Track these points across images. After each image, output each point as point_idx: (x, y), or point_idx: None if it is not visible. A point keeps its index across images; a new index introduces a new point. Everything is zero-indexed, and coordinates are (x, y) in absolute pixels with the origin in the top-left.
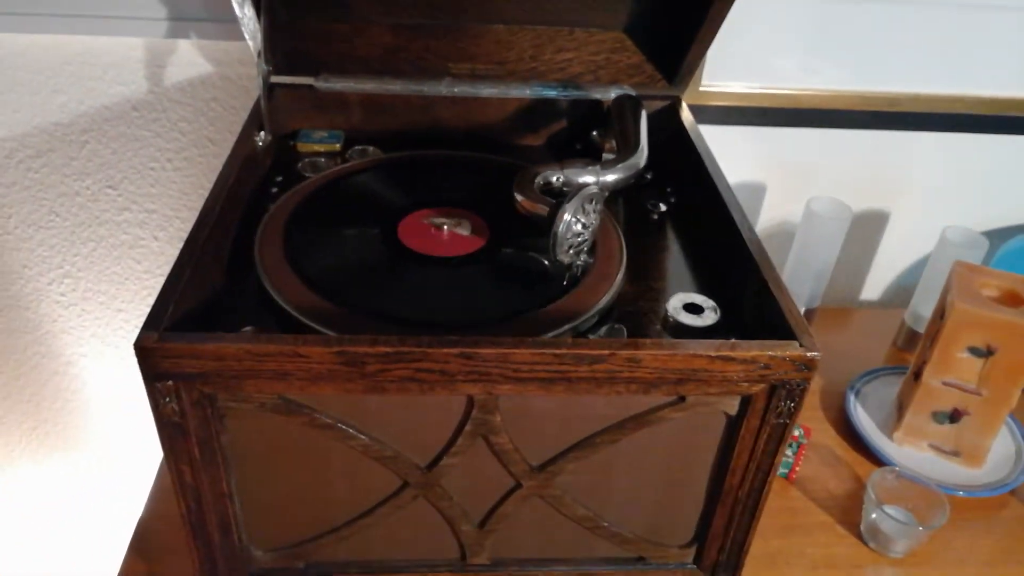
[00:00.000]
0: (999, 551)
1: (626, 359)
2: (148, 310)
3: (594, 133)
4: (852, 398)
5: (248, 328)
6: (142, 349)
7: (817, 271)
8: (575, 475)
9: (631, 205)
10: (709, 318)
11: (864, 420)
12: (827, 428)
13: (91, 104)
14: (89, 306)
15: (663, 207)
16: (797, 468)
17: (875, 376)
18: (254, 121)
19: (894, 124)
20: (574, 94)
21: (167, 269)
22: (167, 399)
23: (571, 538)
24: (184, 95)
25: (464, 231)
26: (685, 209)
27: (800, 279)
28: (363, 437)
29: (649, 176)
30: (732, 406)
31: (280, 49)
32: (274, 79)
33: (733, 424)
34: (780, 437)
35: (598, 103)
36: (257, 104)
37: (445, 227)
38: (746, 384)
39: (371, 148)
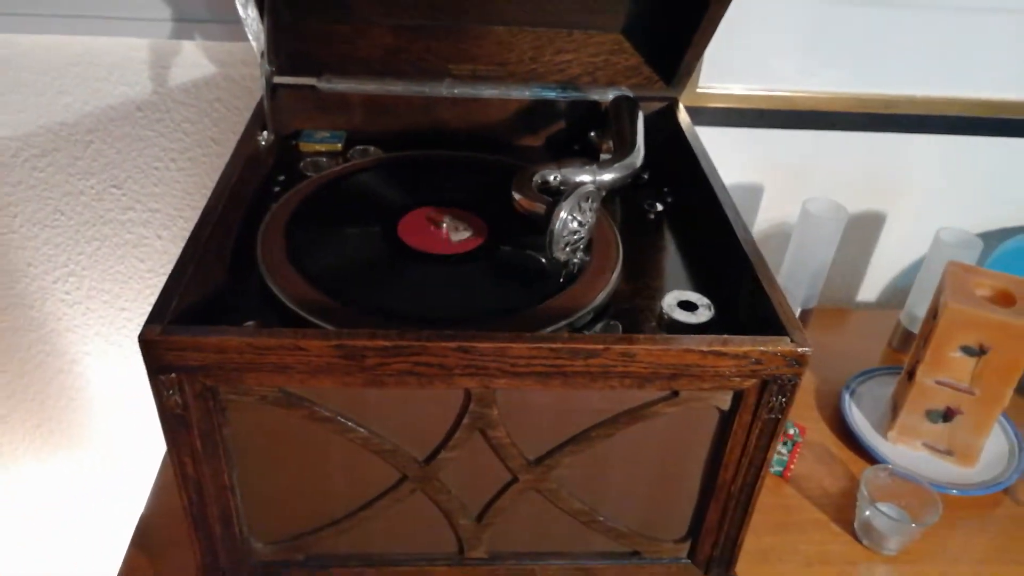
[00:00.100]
0: (992, 549)
1: (620, 354)
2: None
3: (592, 134)
4: (847, 397)
5: (250, 323)
6: (146, 342)
7: (813, 271)
8: (571, 469)
9: (628, 205)
10: (703, 315)
11: (859, 419)
12: (822, 427)
13: (96, 104)
14: (93, 304)
15: (659, 207)
16: (792, 466)
17: (870, 376)
18: (257, 121)
19: (890, 126)
20: (573, 95)
21: (171, 268)
22: (170, 391)
23: (567, 532)
24: (188, 96)
25: (463, 229)
26: (681, 209)
27: (796, 279)
28: (362, 430)
29: (646, 176)
30: (724, 401)
31: (283, 50)
32: (277, 80)
33: (726, 419)
34: (772, 432)
35: (596, 104)
36: (260, 104)
37: (444, 225)
38: (738, 379)
39: (372, 148)
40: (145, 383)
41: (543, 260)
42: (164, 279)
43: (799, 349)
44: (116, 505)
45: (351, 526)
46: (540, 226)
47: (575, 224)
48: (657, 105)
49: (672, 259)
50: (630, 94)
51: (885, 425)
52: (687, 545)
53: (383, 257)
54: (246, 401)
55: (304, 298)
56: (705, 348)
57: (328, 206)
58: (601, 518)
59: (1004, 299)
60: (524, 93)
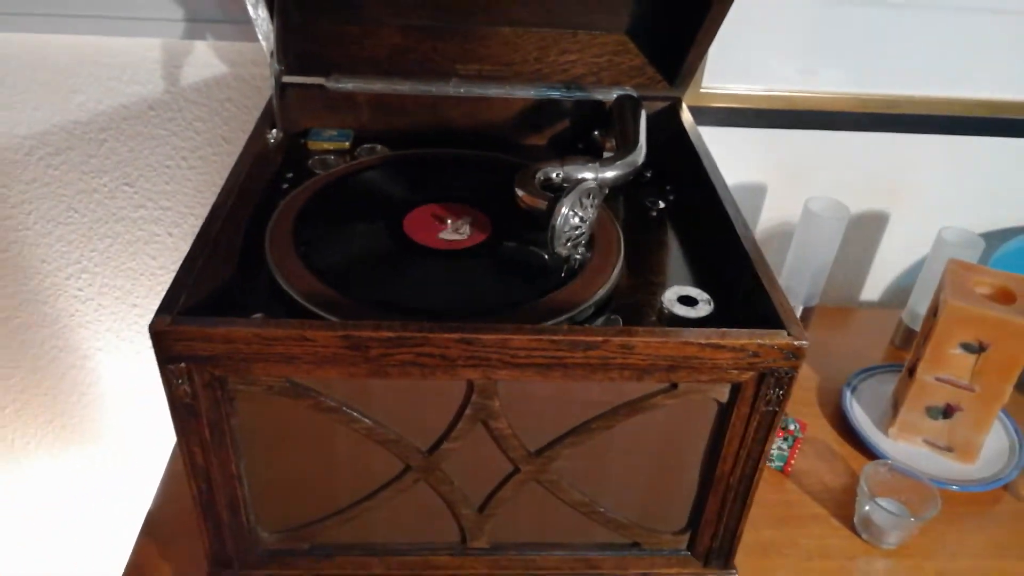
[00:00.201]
0: (990, 545)
1: (619, 346)
2: None
3: (596, 133)
4: (848, 394)
5: (258, 315)
6: (156, 332)
7: (815, 270)
8: (571, 460)
9: (631, 202)
10: (703, 310)
11: (860, 416)
12: (824, 424)
13: (109, 103)
14: (105, 301)
15: (662, 204)
16: (792, 461)
17: (872, 373)
18: (266, 119)
19: (892, 126)
20: (577, 95)
21: None
22: (180, 381)
23: (568, 523)
24: (199, 95)
25: (467, 225)
26: (683, 207)
27: (799, 278)
28: (367, 420)
29: (649, 174)
30: (723, 393)
31: (292, 50)
32: (286, 79)
33: (724, 411)
34: (770, 424)
35: (600, 104)
36: (270, 103)
37: (449, 221)
38: (736, 372)
39: (380, 146)
40: (156, 379)
41: (545, 256)
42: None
43: (796, 342)
44: (127, 499)
45: (355, 515)
46: (542, 222)
47: (576, 220)
48: (661, 105)
49: (673, 255)
50: (634, 94)
51: (886, 422)
52: (686, 537)
53: (389, 252)
54: (253, 391)
55: (311, 292)
56: (703, 341)
57: (335, 203)
58: (601, 509)
59: (1004, 297)
60: (529, 93)
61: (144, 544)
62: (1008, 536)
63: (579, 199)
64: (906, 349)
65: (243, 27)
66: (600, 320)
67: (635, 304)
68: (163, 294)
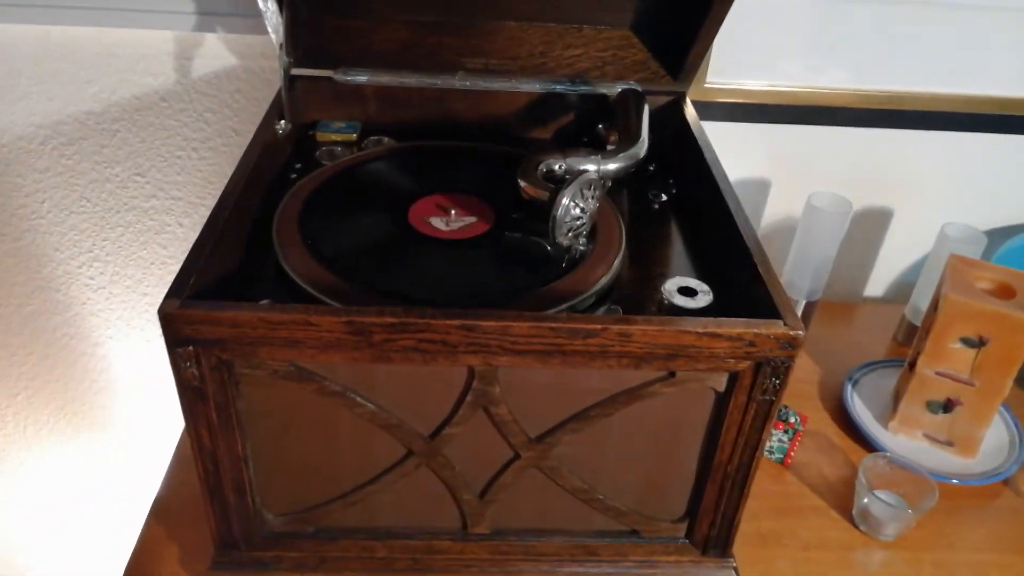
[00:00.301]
0: (988, 538)
1: (617, 334)
2: None
3: (600, 127)
4: (849, 388)
5: (265, 302)
6: (165, 315)
7: (818, 264)
8: (571, 447)
9: (634, 195)
10: (702, 300)
11: (861, 410)
12: (824, 417)
13: (122, 94)
14: (116, 289)
15: (664, 197)
16: (792, 453)
17: (873, 368)
18: (276, 111)
19: (896, 122)
20: (582, 89)
21: None
22: (188, 364)
23: (568, 510)
24: (210, 87)
25: (471, 216)
26: (685, 200)
27: (801, 272)
28: (370, 405)
29: (652, 168)
30: (720, 382)
31: (301, 43)
32: (295, 71)
33: (721, 400)
34: (767, 414)
35: (605, 98)
36: (279, 95)
37: (453, 212)
38: (733, 361)
39: (387, 139)
40: (165, 367)
41: (547, 246)
42: None
43: (792, 332)
44: (136, 485)
45: (359, 499)
46: (544, 212)
47: (577, 210)
48: (665, 99)
49: (674, 247)
50: (638, 88)
51: (886, 416)
52: (685, 525)
53: (394, 241)
54: (259, 375)
55: (317, 280)
56: (700, 330)
57: (342, 192)
58: (600, 496)
59: (1004, 292)
60: (534, 86)
61: (152, 526)
62: (1007, 530)
63: (580, 190)
64: (909, 345)
65: (253, 20)
66: (601, 310)
67: (636, 294)
68: None
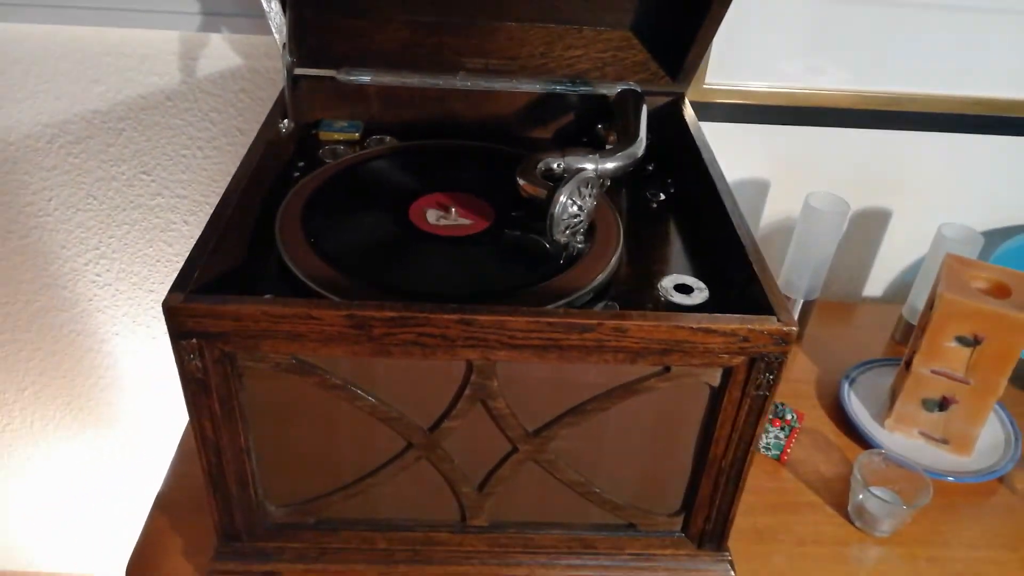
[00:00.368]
0: (984, 535)
1: (613, 329)
2: None
3: (599, 127)
4: (846, 386)
5: (268, 296)
6: (169, 308)
7: (816, 264)
8: (568, 441)
9: (633, 195)
10: (698, 297)
11: (857, 408)
12: (821, 415)
13: (128, 94)
14: (122, 286)
15: (662, 197)
16: (789, 450)
17: (870, 367)
18: (279, 110)
19: (895, 124)
20: (582, 89)
21: None
22: (191, 356)
23: (565, 503)
24: (215, 86)
25: (471, 213)
26: (683, 199)
27: (799, 271)
28: (370, 398)
29: (651, 168)
30: (715, 377)
31: (304, 43)
32: (298, 71)
33: (716, 395)
34: (761, 409)
35: (604, 98)
36: (282, 94)
37: (453, 210)
38: (727, 356)
39: (388, 138)
40: (170, 363)
41: (546, 243)
42: None
43: (785, 328)
44: (141, 479)
45: (359, 491)
46: (543, 210)
47: (575, 208)
48: (664, 100)
49: (672, 246)
50: (637, 88)
51: (883, 414)
52: (681, 519)
53: (394, 238)
54: (261, 368)
55: (319, 275)
56: (694, 325)
57: (344, 190)
58: (597, 490)
59: (1000, 291)
60: (535, 87)
61: (156, 518)
62: (1001, 527)
63: (577, 188)
64: (906, 344)
65: (257, 21)
66: (599, 306)
67: (633, 292)
68: None
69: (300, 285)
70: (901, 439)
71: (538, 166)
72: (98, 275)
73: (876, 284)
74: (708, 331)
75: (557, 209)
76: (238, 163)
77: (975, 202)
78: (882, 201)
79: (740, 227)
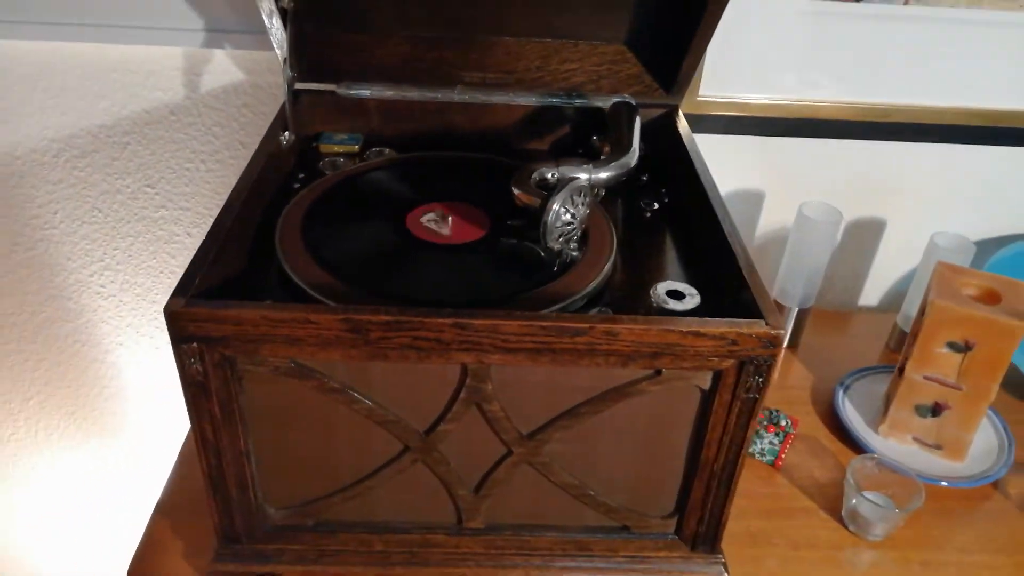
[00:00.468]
0: (978, 539)
1: (604, 332)
2: None
3: (595, 138)
4: (841, 393)
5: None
6: (171, 313)
7: (810, 273)
8: (562, 444)
9: (628, 204)
10: (690, 303)
11: (852, 414)
12: (816, 422)
13: (133, 108)
14: (126, 298)
15: (656, 206)
16: (783, 455)
17: (865, 374)
18: (281, 123)
19: (888, 135)
20: (577, 102)
21: None
22: (192, 360)
23: (560, 506)
24: (218, 101)
25: (468, 223)
26: (677, 209)
27: (794, 280)
28: (367, 402)
29: (645, 178)
30: (705, 380)
31: (305, 58)
32: (299, 85)
33: (706, 398)
34: (751, 412)
35: (599, 110)
36: (283, 107)
37: (450, 219)
38: (716, 359)
39: (388, 150)
40: (173, 373)
41: (540, 251)
42: None
43: (772, 331)
44: (144, 487)
45: (357, 494)
46: (537, 218)
47: (568, 216)
48: (658, 112)
49: (665, 253)
50: (631, 100)
51: (877, 420)
52: (674, 521)
53: (392, 247)
54: (261, 371)
55: (318, 283)
56: (684, 329)
57: (343, 200)
58: (592, 493)
59: (990, 298)
60: (531, 99)
61: (158, 521)
62: (995, 531)
63: (570, 196)
64: (900, 352)
65: (260, 37)
66: (592, 312)
67: (626, 298)
68: None
69: (300, 293)
70: (895, 445)
71: (533, 176)
72: (103, 286)
73: (872, 293)
74: (697, 334)
75: (550, 217)
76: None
77: (968, 212)
78: (876, 211)
79: (731, 235)
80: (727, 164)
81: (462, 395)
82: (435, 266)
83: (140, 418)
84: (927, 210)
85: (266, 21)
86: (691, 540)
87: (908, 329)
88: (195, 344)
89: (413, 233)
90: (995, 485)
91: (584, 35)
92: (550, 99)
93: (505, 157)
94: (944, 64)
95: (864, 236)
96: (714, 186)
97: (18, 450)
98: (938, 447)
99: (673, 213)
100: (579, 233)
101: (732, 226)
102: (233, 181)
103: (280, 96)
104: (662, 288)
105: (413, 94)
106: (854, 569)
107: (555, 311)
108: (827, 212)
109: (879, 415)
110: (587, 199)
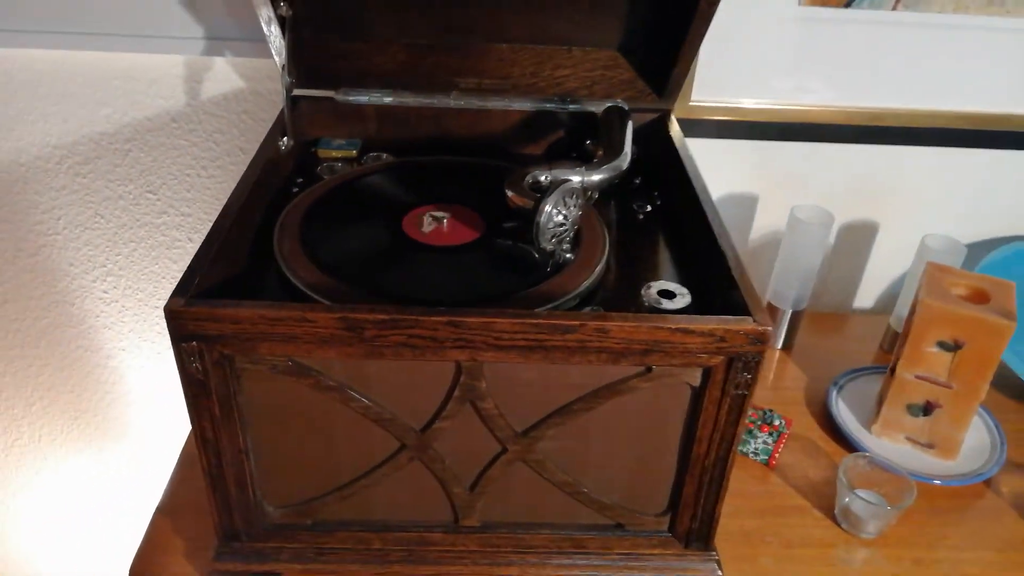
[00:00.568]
0: (970, 537)
1: (595, 329)
2: None
3: (588, 143)
4: (834, 393)
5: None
6: (171, 312)
7: (803, 275)
8: (555, 441)
9: (621, 206)
10: (680, 302)
11: (845, 414)
12: (810, 422)
13: (134, 116)
14: (128, 303)
15: (648, 208)
16: (777, 455)
17: (858, 374)
18: (279, 128)
19: (879, 139)
20: (571, 107)
21: None
22: (192, 359)
23: (555, 504)
24: (218, 108)
25: (463, 225)
26: (669, 211)
27: (787, 282)
28: (364, 400)
29: (638, 181)
30: (695, 377)
31: (303, 64)
32: (298, 91)
33: (697, 395)
34: (740, 408)
35: (593, 115)
36: (281, 113)
37: (445, 221)
38: (706, 356)
39: (385, 155)
40: (175, 378)
41: (533, 252)
42: None
43: (760, 328)
44: (146, 491)
45: (355, 492)
46: (530, 220)
47: (560, 217)
48: (651, 116)
49: (657, 254)
50: (623, 105)
51: (870, 420)
52: (667, 519)
53: (388, 248)
54: (259, 370)
55: (316, 284)
56: (673, 326)
57: (341, 204)
58: (585, 490)
59: (979, 297)
60: (526, 105)
61: (159, 521)
62: (987, 529)
63: (562, 198)
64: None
65: (259, 44)
66: (585, 311)
67: (618, 297)
68: None
69: (298, 293)
70: (888, 444)
71: (526, 179)
72: (105, 292)
73: (866, 296)
74: (686, 331)
75: (542, 218)
76: None
77: (960, 214)
78: (869, 214)
79: (721, 236)
80: (721, 168)
81: (456, 393)
82: (431, 267)
83: (142, 422)
84: (919, 213)
85: (264, 28)
86: (685, 537)
87: (901, 330)
88: (195, 343)
89: (409, 235)
90: (987, 483)
91: (577, 41)
92: (544, 104)
93: (500, 161)
94: (934, 68)
95: (857, 239)
96: (705, 189)
97: (21, 455)
98: (930, 446)
99: (665, 216)
100: (572, 234)
101: (722, 228)
102: (233, 187)
103: (280, 102)
104: (654, 288)
105: (410, 100)
106: (847, 567)
107: (547, 310)
108: (819, 215)
109: (872, 415)
110: (579, 201)
